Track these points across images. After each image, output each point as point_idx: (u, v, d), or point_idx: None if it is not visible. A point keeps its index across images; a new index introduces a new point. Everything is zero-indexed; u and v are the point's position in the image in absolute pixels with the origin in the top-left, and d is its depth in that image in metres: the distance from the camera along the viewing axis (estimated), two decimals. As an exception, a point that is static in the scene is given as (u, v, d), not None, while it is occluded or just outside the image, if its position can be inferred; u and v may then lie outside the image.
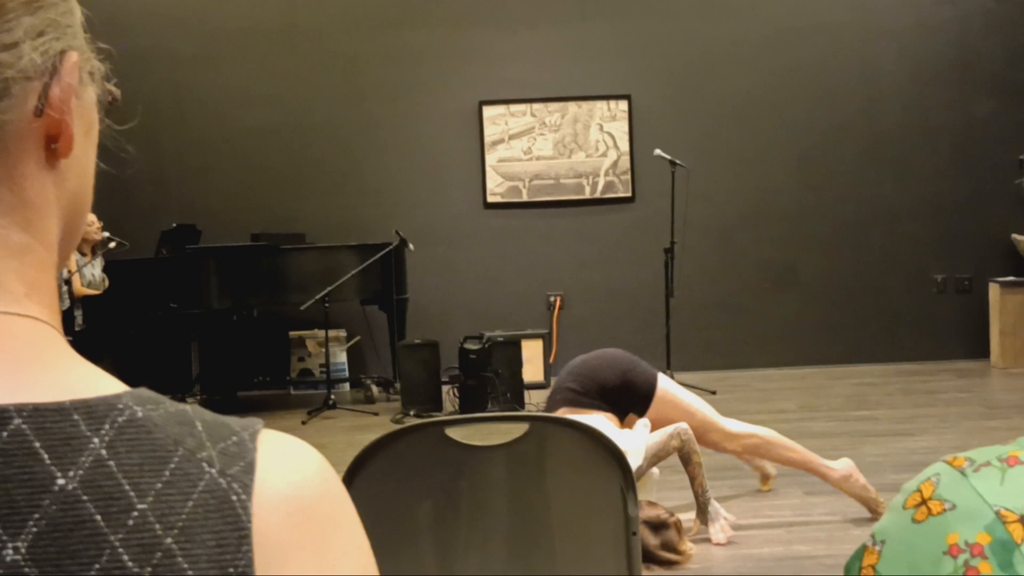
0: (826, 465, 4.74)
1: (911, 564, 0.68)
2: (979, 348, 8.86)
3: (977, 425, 6.37)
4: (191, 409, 0.69)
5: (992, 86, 8.88)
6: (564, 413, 4.46)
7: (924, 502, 0.69)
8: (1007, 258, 8.86)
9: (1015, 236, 8.67)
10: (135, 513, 0.62)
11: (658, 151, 8.15)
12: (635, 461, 4.34)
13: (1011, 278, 8.57)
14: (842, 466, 4.76)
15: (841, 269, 9.18)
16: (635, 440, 4.44)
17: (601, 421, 4.50)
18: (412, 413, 7.28)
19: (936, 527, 0.67)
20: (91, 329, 7.40)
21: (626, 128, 9.18)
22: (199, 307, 7.82)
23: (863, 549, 0.73)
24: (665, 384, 4.68)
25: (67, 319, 7.23)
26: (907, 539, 0.69)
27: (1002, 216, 8.80)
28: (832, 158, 9.15)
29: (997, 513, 0.64)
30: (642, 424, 4.53)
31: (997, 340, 8.63)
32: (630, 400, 4.62)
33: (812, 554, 4.26)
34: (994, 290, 8.66)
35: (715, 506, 4.51)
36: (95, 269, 7.86)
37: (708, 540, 4.44)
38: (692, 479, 4.49)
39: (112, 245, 7.50)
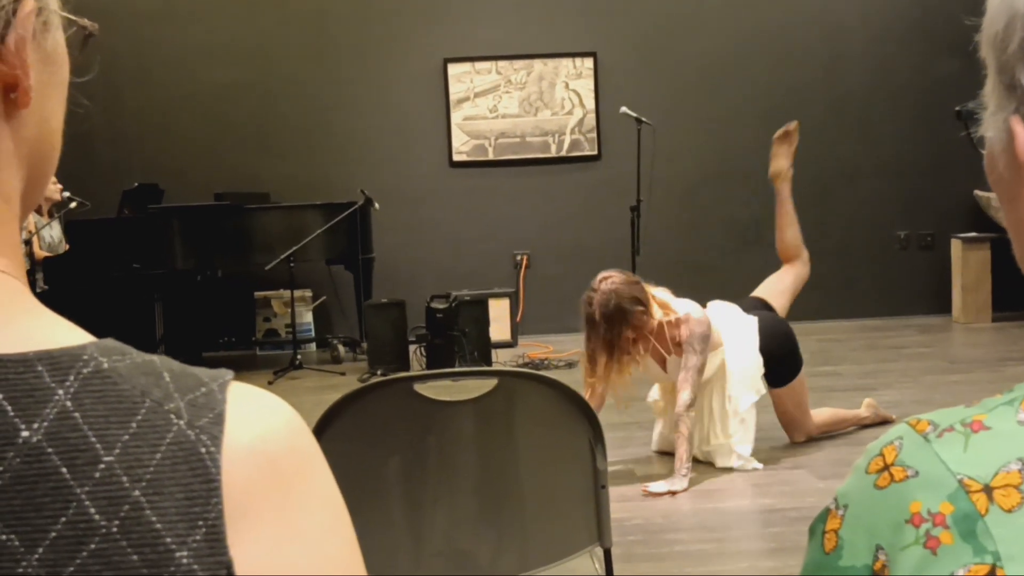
0: (861, 415, 5.42)
1: (872, 530, 0.68)
2: (941, 303, 8.93)
3: (939, 379, 6.44)
4: (158, 360, 0.68)
5: (955, 45, 8.89)
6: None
7: (886, 467, 0.68)
8: (969, 214, 8.92)
9: (977, 192, 8.73)
10: (102, 465, 0.61)
11: (624, 109, 8.12)
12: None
13: (973, 234, 8.63)
14: (868, 410, 5.44)
15: (805, 227, 9.08)
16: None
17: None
18: (379, 372, 7.27)
19: (898, 494, 0.67)
20: (53, 291, 7.33)
21: (592, 86, 9.15)
22: (163, 267, 7.77)
23: (826, 512, 0.73)
24: (801, 379, 5.13)
25: (29, 282, 7.15)
26: (869, 505, 0.69)
27: (964, 173, 8.84)
28: (796, 117, 9.04)
29: (960, 482, 0.64)
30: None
31: (959, 295, 8.71)
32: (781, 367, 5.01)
33: (777, 507, 4.31)
34: (956, 246, 8.73)
35: (680, 479, 4.58)
36: (53, 231, 7.77)
37: (672, 495, 4.49)
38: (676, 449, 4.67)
39: (73, 205, 7.41)
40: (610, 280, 4.63)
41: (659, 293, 4.83)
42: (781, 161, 5.71)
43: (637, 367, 4.76)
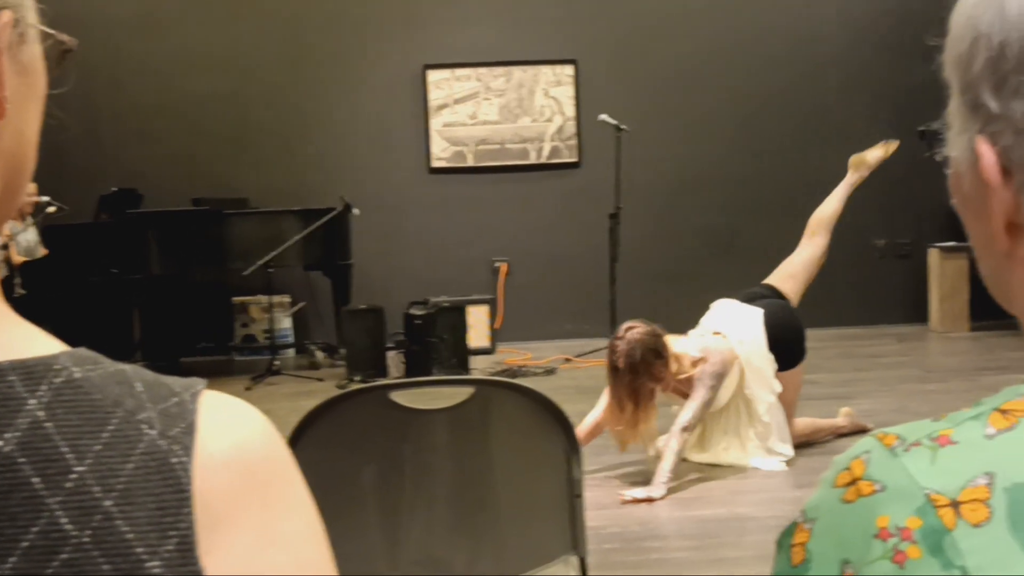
0: (839, 424, 5.46)
1: (840, 544, 0.68)
2: (918, 312, 8.98)
3: (916, 388, 6.47)
4: (131, 369, 0.68)
5: (932, 53, 8.93)
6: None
7: (854, 481, 0.69)
8: (946, 224, 8.95)
9: (954, 202, 8.78)
10: (73, 475, 0.61)
11: (603, 116, 8.14)
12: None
13: (950, 243, 8.68)
14: (845, 419, 5.48)
15: (782, 235, 9.15)
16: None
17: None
18: (357, 379, 7.25)
19: (866, 508, 0.67)
20: (31, 296, 7.30)
21: (572, 93, 9.16)
22: (140, 273, 7.74)
23: (794, 525, 0.73)
24: (800, 371, 5.26)
25: (6, 287, 7.12)
26: (837, 518, 0.69)
27: (941, 182, 8.69)
28: (774, 125, 9.20)
29: (927, 496, 0.65)
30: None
31: (936, 304, 8.75)
32: (784, 353, 5.11)
33: (754, 515, 4.32)
34: (933, 255, 8.77)
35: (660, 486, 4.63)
36: (28, 234, 7.74)
37: (649, 501, 4.51)
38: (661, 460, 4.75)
39: (51, 210, 7.38)
40: (635, 330, 4.75)
41: (677, 343, 4.90)
42: (866, 155, 6.01)
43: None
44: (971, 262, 7.56)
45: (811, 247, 5.73)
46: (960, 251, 8.58)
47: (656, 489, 4.56)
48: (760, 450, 5.00)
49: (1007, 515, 0.63)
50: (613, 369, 4.73)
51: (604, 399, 4.92)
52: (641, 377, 4.66)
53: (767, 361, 5.02)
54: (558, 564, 2.26)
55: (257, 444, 0.68)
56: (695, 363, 4.84)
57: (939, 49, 0.78)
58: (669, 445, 4.72)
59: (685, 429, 4.74)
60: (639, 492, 4.55)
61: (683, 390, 4.90)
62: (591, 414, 4.95)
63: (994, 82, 0.72)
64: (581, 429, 4.79)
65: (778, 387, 5.01)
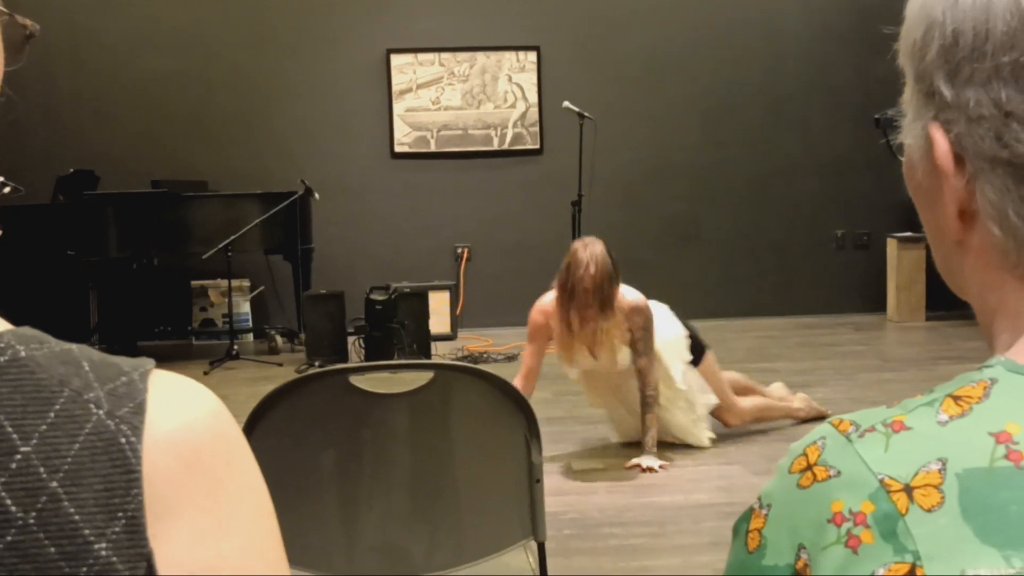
0: (793, 407, 5.47)
1: (795, 530, 0.68)
2: (876, 302, 9.05)
3: (873, 377, 6.53)
4: (78, 349, 0.67)
5: (891, 47, 8.99)
6: None
7: (809, 467, 0.69)
8: (905, 214, 9.03)
9: (909, 189, 8.84)
10: (18, 456, 0.60)
11: (566, 103, 8.13)
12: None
13: (907, 234, 8.75)
14: (801, 402, 5.49)
15: (744, 225, 9.29)
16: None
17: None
18: (317, 364, 7.23)
19: (820, 494, 0.67)
20: (-15, 277, 7.22)
21: (535, 80, 9.15)
22: (97, 255, 7.66)
23: (750, 511, 0.74)
24: (712, 357, 5.15)
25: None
26: (792, 504, 0.70)
27: (900, 173, 8.94)
28: (736, 116, 9.24)
29: (881, 481, 0.65)
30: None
31: (893, 294, 8.83)
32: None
33: (711, 502, 4.34)
34: (891, 245, 8.84)
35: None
36: (-17, 217, 7.65)
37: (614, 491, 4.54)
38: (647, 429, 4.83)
39: (6, 191, 7.28)
40: (599, 245, 4.66)
41: None
42: (814, 404, 5.59)
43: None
44: (928, 252, 7.63)
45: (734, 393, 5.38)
46: (917, 241, 8.65)
47: (658, 460, 4.74)
48: (685, 416, 5.02)
49: (959, 500, 0.63)
50: (577, 279, 4.58)
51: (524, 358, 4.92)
52: (602, 293, 4.55)
53: (676, 333, 5.01)
54: (517, 549, 2.26)
55: (206, 424, 0.67)
56: (631, 307, 4.75)
57: (895, 39, 0.79)
58: (648, 421, 4.79)
59: (653, 392, 4.79)
60: (653, 462, 4.72)
61: (613, 340, 4.78)
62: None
63: (948, 70, 0.73)
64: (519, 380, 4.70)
65: (687, 355, 4.99)
